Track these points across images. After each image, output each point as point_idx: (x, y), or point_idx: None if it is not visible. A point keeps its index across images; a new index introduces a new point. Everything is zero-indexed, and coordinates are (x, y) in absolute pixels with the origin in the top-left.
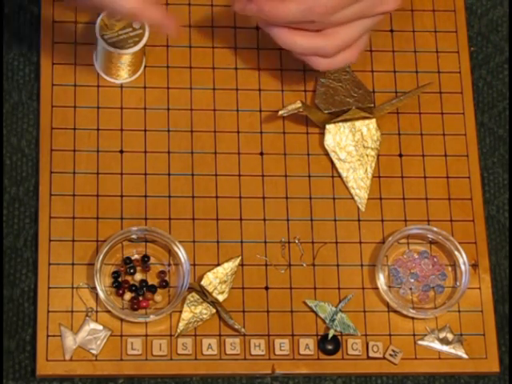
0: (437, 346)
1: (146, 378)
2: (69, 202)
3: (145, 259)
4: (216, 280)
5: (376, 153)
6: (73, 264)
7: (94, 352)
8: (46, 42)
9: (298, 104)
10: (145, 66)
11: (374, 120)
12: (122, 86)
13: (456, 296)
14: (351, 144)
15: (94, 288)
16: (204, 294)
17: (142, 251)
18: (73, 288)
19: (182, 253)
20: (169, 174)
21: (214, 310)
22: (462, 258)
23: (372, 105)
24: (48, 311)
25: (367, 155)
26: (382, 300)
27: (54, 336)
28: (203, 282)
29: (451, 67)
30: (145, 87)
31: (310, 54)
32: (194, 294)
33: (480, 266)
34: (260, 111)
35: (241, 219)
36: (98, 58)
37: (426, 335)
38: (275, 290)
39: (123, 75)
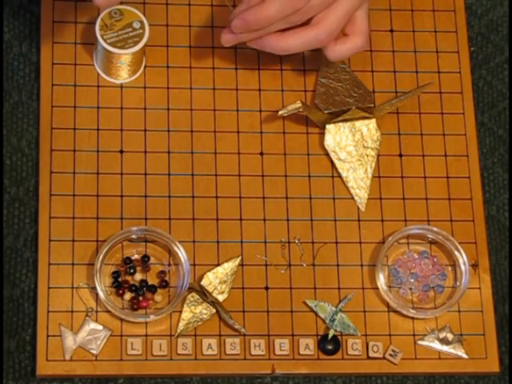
0: (437, 345)
1: (146, 378)
2: (69, 202)
3: (145, 259)
4: (216, 280)
5: (376, 153)
6: (73, 264)
7: (93, 352)
8: (46, 42)
9: (298, 104)
10: (145, 66)
11: (373, 120)
12: (121, 86)
13: (456, 296)
14: (351, 144)
15: (94, 288)
16: (204, 294)
17: (142, 251)
18: (73, 288)
19: (181, 253)
20: (169, 174)
21: (214, 310)
22: (462, 258)
23: (372, 105)
24: (48, 311)
25: (367, 155)
26: (382, 300)
27: (54, 336)
28: (203, 282)
29: (451, 67)
30: (145, 87)
31: (306, 48)
32: (194, 294)
33: (480, 266)
34: (260, 111)
35: (241, 219)
36: (97, 57)
37: (426, 335)
38: (275, 289)
39: (123, 75)
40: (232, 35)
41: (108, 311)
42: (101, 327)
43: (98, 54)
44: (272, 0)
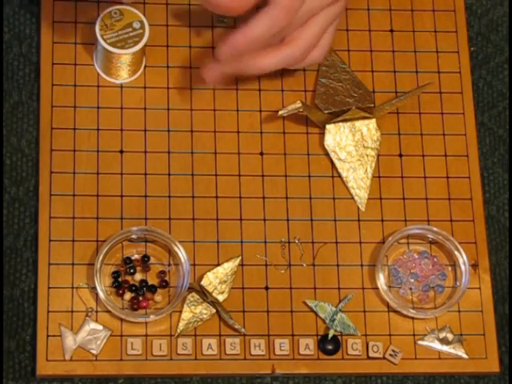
0: (437, 346)
1: (146, 378)
2: (69, 202)
3: (145, 259)
4: (216, 280)
5: (376, 153)
6: (73, 264)
7: (94, 352)
8: (46, 42)
9: (298, 104)
10: (145, 66)
11: (374, 120)
12: (121, 86)
13: (456, 296)
14: (351, 144)
15: (94, 288)
16: (204, 293)
17: (142, 251)
18: (73, 288)
19: (181, 253)
20: (169, 174)
21: (214, 310)
22: (462, 258)
23: (372, 105)
24: (48, 311)
25: (367, 155)
26: (382, 300)
27: (54, 336)
28: (203, 282)
29: (451, 67)
30: (145, 87)
31: (282, 66)
32: (194, 294)
33: (480, 266)
34: (260, 111)
35: (241, 219)
36: (97, 57)
37: (425, 335)
38: (275, 289)
39: (123, 75)
40: (216, 69)
41: (108, 311)
42: (101, 327)
43: (98, 53)
44: (257, 21)
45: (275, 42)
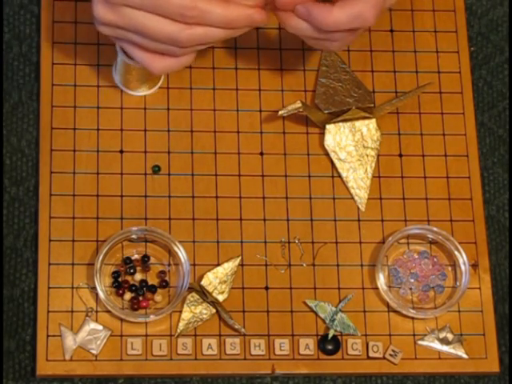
0: (437, 345)
1: (146, 378)
2: (69, 202)
3: (145, 259)
4: (216, 280)
5: (376, 153)
6: (73, 264)
7: (93, 352)
8: (46, 42)
9: (298, 104)
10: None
11: (374, 120)
12: None
13: (456, 296)
14: (351, 144)
15: (94, 288)
16: (204, 293)
17: (142, 251)
18: (73, 288)
19: (181, 253)
20: (169, 174)
21: (214, 310)
22: (462, 258)
23: (372, 105)
24: (48, 311)
25: (367, 155)
26: (382, 300)
27: (54, 336)
28: (203, 282)
29: (451, 67)
30: None
31: (350, 26)
32: (194, 293)
33: (480, 266)
34: (260, 111)
35: (241, 219)
36: (117, 70)
37: (426, 335)
38: (275, 289)
39: (143, 87)
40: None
41: (108, 311)
42: (101, 327)
43: (118, 66)
44: (343, 8)
45: None
